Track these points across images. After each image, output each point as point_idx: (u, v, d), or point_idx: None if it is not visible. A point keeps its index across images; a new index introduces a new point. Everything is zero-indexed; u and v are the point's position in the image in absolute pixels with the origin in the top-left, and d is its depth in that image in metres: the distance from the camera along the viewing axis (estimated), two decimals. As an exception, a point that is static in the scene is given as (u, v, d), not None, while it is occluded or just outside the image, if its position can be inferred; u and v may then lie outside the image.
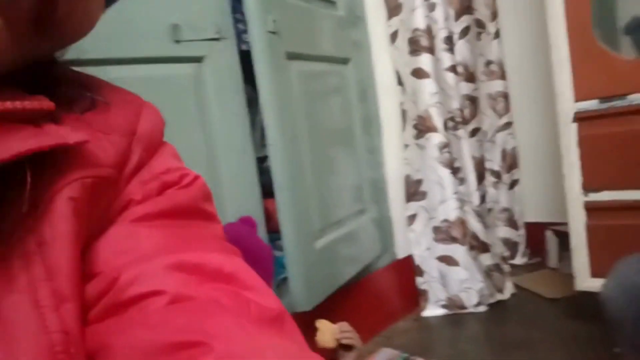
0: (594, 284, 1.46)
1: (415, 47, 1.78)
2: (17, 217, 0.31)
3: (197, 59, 1.16)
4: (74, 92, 0.39)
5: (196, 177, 0.44)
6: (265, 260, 1.02)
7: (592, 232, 1.44)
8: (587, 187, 1.43)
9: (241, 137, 1.25)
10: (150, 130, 0.42)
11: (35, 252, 0.31)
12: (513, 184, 2.28)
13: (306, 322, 1.41)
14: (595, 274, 1.45)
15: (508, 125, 2.23)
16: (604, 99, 1.37)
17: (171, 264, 0.36)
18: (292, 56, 1.35)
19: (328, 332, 0.95)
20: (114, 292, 0.35)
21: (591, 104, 1.39)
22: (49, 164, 0.33)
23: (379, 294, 1.81)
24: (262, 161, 1.44)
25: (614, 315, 0.79)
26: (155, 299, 0.34)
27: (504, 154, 2.25)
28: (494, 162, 2.24)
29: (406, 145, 1.87)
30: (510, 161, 2.27)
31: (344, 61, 1.66)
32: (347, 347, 0.96)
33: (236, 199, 1.23)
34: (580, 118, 1.41)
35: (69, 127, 0.34)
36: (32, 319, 0.30)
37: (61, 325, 0.31)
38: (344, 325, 0.97)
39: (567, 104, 1.42)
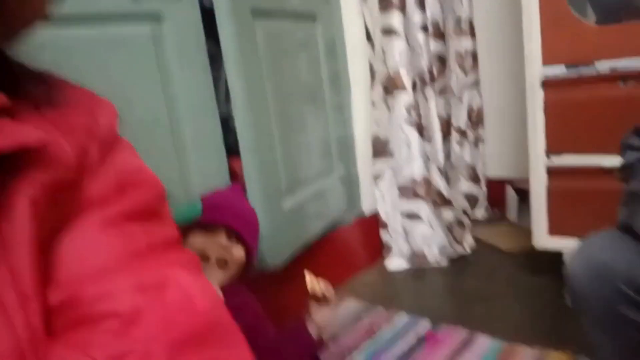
0: (551, 243, 1.53)
1: (385, 4, 1.75)
2: None
3: (156, 17, 1.11)
4: (31, 87, 0.39)
5: (152, 176, 0.46)
6: (253, 224, 1.03)
7: (552, 194, 1.50)
8: (550, 151, 1.47)
9: (204, 96, 1.23)
10: (106, 128, 0.43)
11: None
12: (477, 141, 2.33)
13: (275, 279, 1.44)
14: (552, 232, 1.52)
15: (475, 83, 2.25)
16: (571, 64, 1.39)
17: (132, 285, 0.37)
18: (257, 12, 1.32)
19: (315, 282, 0.99)
20: (77, 307, 0.36)
21: (558, 69, 1.41)
22: (7, 163, 0.33)
23: (345, 248, 1.86)
24: (227, 119, 1.42)
25: (580, 292, 0.82)
26: (111, 321, 0.36)
27: (470, 111, 2.28)
28: (460, 120, 2.26)
29: (374, 103, 1.87)
30: (476, 119, 2.30)
31: (312, 17, 1.63)
32: (326, 301, 1.00)
33: (201, 159, 1.22)
34: (547, 84, 1.43)
35: (30, 124, 0.34)
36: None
37: (26, 323, 0.32)
38: (325, 282, 1.01)
39: (535, 68, 1.44)
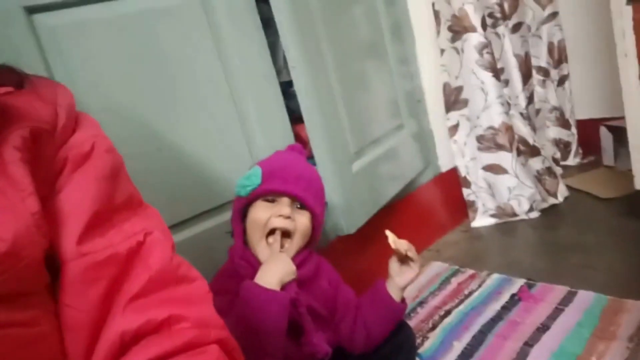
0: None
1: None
2: None
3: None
4: (4, 77, 0.49)
5: (110, 145, 0.54)
6: (316, 186, 0.96)
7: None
8: (646, 76, 1.29)
9: (261, 61, 1.18)
10: (67, 102, 0.53)
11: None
12: (562, 80, 2.12)
13: (350, 246, 1.39)
14: (657, 171, 1.34)
15: (554, 15, 2.04)
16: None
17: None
18: (307, -35, 1.23)
19: (398, 240, 0.93)
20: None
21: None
22: None
23: (425, 209, 1.76)
24: (289, 85, 1.36)
25: None
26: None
27: (550, 48, 2.07)
28: (541, 59, 2.07)
29: (442, 50, 1.74)
30: (558, 55, 2.09)
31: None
32: (408, 262, 0.93)
33: (265, 128, 1.18)
34: (637, -2, 1.24)
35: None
36: (8, 208, 0.41)
37: (28, 209, 0.42)
38: (407, 241, 0.94)
39: (621, -18, 1.25)
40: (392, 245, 0.93)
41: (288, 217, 0.88)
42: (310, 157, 1.29)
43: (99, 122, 0.57)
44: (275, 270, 0.82)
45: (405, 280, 0.94)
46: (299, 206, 0.92)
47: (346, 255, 1.37)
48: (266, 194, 0.90)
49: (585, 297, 1.21)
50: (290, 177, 0.91)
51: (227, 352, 0.47)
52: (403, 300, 0.97)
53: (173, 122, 1.02)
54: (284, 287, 0.82)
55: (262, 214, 0.89)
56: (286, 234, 0.90)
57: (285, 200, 0.90)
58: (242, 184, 0.92)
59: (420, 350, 1.14)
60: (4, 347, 0.38)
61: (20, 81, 0.50)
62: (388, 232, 0.95)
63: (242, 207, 0.92)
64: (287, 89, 1.40)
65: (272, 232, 0.89)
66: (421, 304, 1.36)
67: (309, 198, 0.91)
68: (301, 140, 1.34)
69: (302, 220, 0.91)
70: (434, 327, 1.24)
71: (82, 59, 0.91)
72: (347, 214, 1.28)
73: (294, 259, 0.89)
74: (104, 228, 0.48)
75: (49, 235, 0.45)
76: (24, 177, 0.43)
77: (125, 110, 0.95)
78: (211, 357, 0.44)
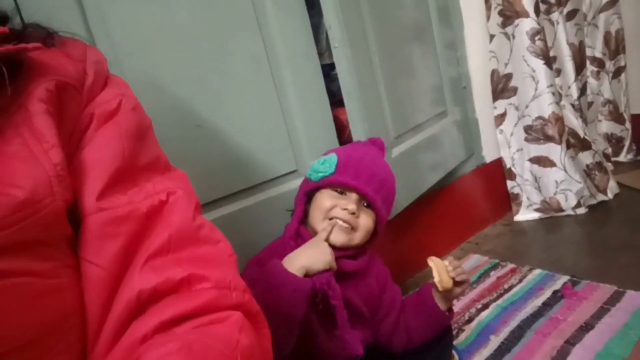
0: None
1: None
2: (3, 111, 0.43)
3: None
4: (33, 32, 0.49)
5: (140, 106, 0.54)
6: (388, 190, 0.93)
7: None
8: None
9: (303, 41, 1.16)
10: (96, 60, 0.53)
11: (23, 127, 0.43)
12: (618, 72, 2.01)
13: (388, 233, 1.36)
14: None
15: (612, 3, 1.93)
16: None
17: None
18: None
19: (443, 271, 0.87)
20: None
21: None
22: (19, 78, 0.44)
23: (466, 200, 1.71)
24: (331, 68, 1.34)
25: None
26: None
27: (607, 37, 1.97)
28: (596, 49, 1.97)
29: (492, 36, 1.68)
30: (615, 46, 1.98)
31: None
32: (459, 283, 0.89)
33: (304, 109, 1.16)
34: None
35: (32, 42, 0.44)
36: (30, 158, 0.42)
37: (52, 165, 0.43)
38: (452, 260, 0.90)
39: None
40: (439, 287, 0.87)
41: (353, 214, 0.86)
42: (349, 142, 1.26)
43: (139, 93, 0.56)
44: (304, 256, 0.80)
45: (453, 294, 0.91)
46: (365, 204, 0.90)
47: (381, 243, 1.34)
48: (336, 185, 0.89)
49: (634, 298, 1.15)
50: (363, 174, 0.88)
51: (249, 316, 0.46)
52: (450, 309, 0.94)
53: (213, 98, 1.02)
54: (313, 275, 0.79)
55: (328, 202, 0.88)
56: (346, 228, 0.87)
57: (354, 196, 0.88)
58: (315, 168, 0.91)
59: (455, 343, 1.10)
60: (21, 295, 0.39)
61: (50, 39, 0.50)
62: (430, 261, 0.89)
63: (310, 190, 0.92)
64: (328, 72, 1.37)
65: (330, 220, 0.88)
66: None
67: (377, 200, 0.89)
68: (340, 123, 1.32)
69: (366, 220, 0.89)
70: (470, 320, 1.20)
71: (126, 26, 0.91)
72: (385, 200, 1.25)
73: (345, 252, 0.88)
74: (125, 185, 0.47)
75: (72, 188, 0.45)
76: (48, 129, 0.43)
77: (165, 83, 0.95)
78: (233, 324, 0.43)
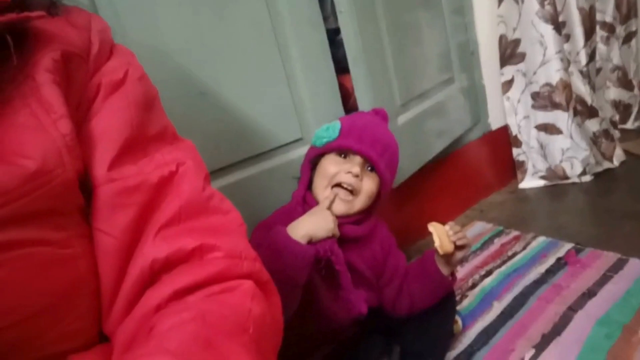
0: None
1: None
2: (10, 81, 0.43)
3: None
4: (37, 3, 0.47)
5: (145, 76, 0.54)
6: (391, 155, 0.94)
7: None
8: None
9: (308, 6, 1.13)
10: (101, 29, 0.53)
11: (31, 98, 0.43)
12: (628, 37, 1.98)
13: (393, 200, 1.37)
14: None
15: (626, -36, 1.88)
16: None
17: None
18: None
19: (444, 236, 0.88)
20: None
21: None
22: (25, 49, 0.44)
23: (471, 167, 1.71)
24: (336, 33, 1.32)
25: None
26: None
27: (618, 1, 1.92)
28: (606, 13, 1.93)
29: (500, 1, 1.64)
30: (627, 10, 1.94)
31: None
32: (460, 247, 0.90)
33: (308, 75, 1.15)
34: None
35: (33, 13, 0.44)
36: (39, 129, 0.42)
37: (61, 135, 0.42)
38: (452, 225, 0.90)
39: None
40: (440, 251, 0.87)
41: (357, 176, 0.87)
42: (355, 110, 1.25)
43: (142, 61, 0.56)
44: (308, 224, 0.82)
45: (455, 259, 0.91)
46: (370, 169, 0.90)
47: (386, 210, 1.34)
48: (340, 149, 0.90)
49: (636, 266, 1.16)
50: (367, 138, 0.89)
51: (260, 285, 0.47)
52: (453, 274, 0.94)
53: (217, 66, 1.00)
54: (316, 242, 0.81)
55: (332, 167, 0.89)
56: (350, 193, 0.88)
57: (358, 160, 0.89)
58: (319, 134, 0.92)
59: (459, 308, 1.12)
60: (34, 264, 0.39)
61: (54, 7, 0.50)
62: (431, 226, 0.90)
63: (315, 156, 0.93)
64: (333, 37, 1.35)
65: (336, 186, 0.89)
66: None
67: (381, 163, 0.89)
68: (345, 90, 1.31)
69: (369, 183, 0.89)
70: (473, 286, 1.21)
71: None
72: (390, 168, 1.25)
73: (350, 217, 0.89)
74: (135, 156, 0.47)
75: (82, 158, 0.45)
76: (56, 100, 0.43)
77: (168, 51, 0.94)
78: (245, 293, 0.44)
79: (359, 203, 0.89)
